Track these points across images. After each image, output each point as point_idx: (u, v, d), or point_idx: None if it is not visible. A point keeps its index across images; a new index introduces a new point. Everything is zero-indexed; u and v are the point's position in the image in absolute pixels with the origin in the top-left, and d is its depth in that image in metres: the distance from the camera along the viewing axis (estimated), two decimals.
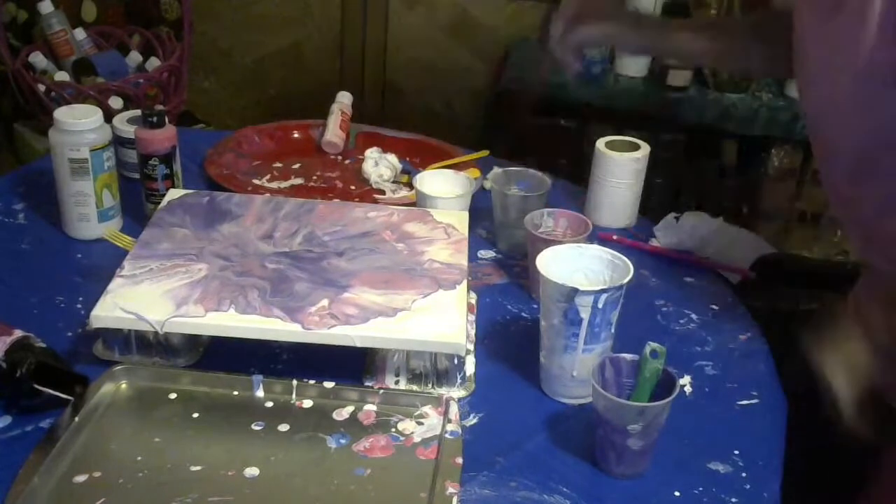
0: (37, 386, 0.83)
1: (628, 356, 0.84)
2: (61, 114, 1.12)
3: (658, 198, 2.13)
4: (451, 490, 0.78)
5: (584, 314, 0.86)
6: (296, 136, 1.49)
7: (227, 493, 0.77)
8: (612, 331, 0.89)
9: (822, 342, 0.83)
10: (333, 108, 1.51)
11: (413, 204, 1.20)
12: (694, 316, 1.08)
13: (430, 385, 0.92)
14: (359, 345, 0.89)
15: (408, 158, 1.40)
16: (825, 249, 2.18)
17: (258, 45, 2.59)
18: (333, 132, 1.46)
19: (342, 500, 0.78)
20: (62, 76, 1.87)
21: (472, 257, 1.11)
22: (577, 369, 0.89)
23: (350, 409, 0.89)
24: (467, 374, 0.94)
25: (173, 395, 0.89)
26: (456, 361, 0.91)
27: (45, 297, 1.04)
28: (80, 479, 0.78)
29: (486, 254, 1.19)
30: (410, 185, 1.27)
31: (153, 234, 1.04)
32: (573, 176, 2.14)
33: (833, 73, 0.85)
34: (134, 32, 2.11)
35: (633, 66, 2.12)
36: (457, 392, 0.92)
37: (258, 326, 0.90)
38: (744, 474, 0.84)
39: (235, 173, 1.35)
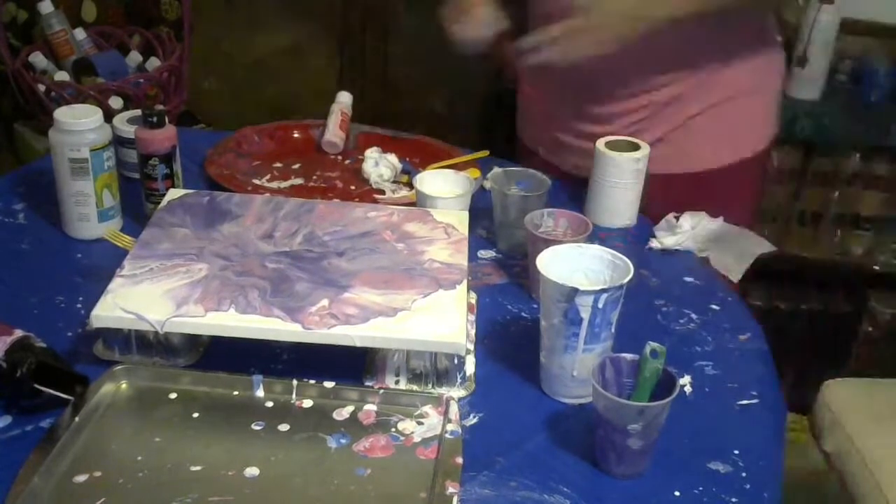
0: (37, 386, 0.83)
1: (628, 356, 0.84)
2: (61, 114, 1.12)
3: None
4: (451, 490, 0.78)
5: (585, 314, 0.86)
6: (296, 136, 1.49)
7: (227, 493, 0.77)
8: (612, 331, 0.89)
9: None
10: (333, 108, 1.51)
11: (413, 204, 1.20)
12: (694, 316, 1.08)
13: (430, 385, 0.92)
14: (359, 345, 0.89)
15: (408, 158, 1.40)
16: (825, 249, 2.18)
17: (258, 45, 2.59)
18: (333, 132, 1.46)
19: (342, 500, 0.78)
20: (62, 76, 1.87)
21: (472, 257, 1.12)
22: (577, 369, 0.89)
23: (350, 409, 0.89)
24: (467, 373, 0.94)
25: (173, 395, 0.89)
26: (456, 361, 0.91)
27: (45, 297, 1.04)
28: (80, 479, 0.78)
29: (486, 254, 1.19)
30: (410, 185, 1.27)
31: (153, 234, 1.04)
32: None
33: None
34: (134, 32, 2.11)
35: None
36: (457, 392, 0.92)
37: (258, 326, 0.90)
38: (744, 474, 0.84)
39: (235, 173, 1.35)
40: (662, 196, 1.24)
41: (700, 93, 1.26)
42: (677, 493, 0.81)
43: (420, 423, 0.87)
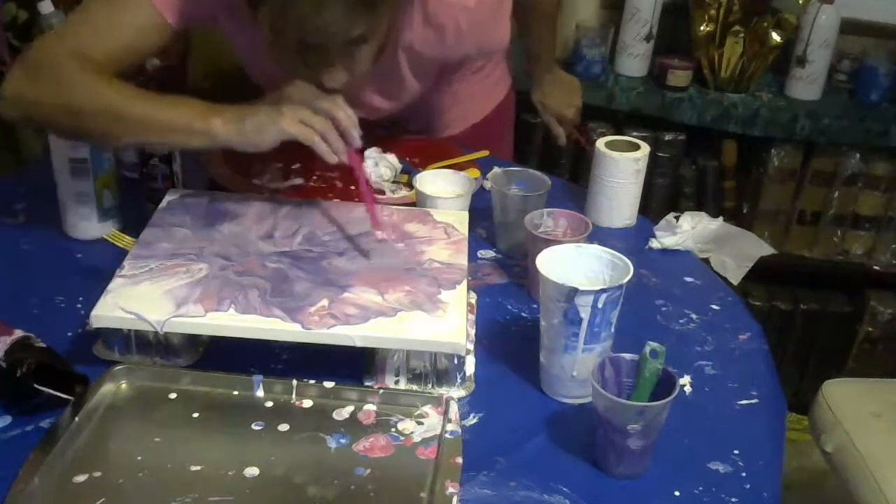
0: (37, 386, 0.83)
1: (628, 356, 0.84)
2: None
3: (658, 198, 2.13)
4: (451, 490, 0.78)
5: (584, 314, 0.86)
6: None
7: (227, 493, 0.77)
8: (612, 331, 0.89)
9: None
10: None
11: (413, 204, 1.20)
12: (694, 316, 1.08)
13: (430, 385, 0.92)
14: (359, 345, 0.89)
15: (408, 158, 1.40)
16: (825, 249, 2.18)
17: None
18: None
19: (342, 500, 0.78)
20: None
21: (472, 257, 1.12)
22: (577, 369, 0.89)
23: (350, 409, 0.89)
24: (467, 374, 0.94)
25: (173, 395, 0.89)
26: (456, 361, 0.91)
27: (45, 297, 1.04)
28: (80, 479, 0.78)
29: (486, 254, 1.19)
30: (410, 185, 1.27)
31: (153, 234, 1.04)
32: (573, 176, 2.14)
33: None
34: None
35: (633, 66, 2.12)
36: (457, 392, 0.92)
37: (258, 326, 0.90)
38: (744, 474, 0.84)
39: (235, 173, 1.34)
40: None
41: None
42: (677, 493, 0.81)
43: (420, 423, 0.87)
